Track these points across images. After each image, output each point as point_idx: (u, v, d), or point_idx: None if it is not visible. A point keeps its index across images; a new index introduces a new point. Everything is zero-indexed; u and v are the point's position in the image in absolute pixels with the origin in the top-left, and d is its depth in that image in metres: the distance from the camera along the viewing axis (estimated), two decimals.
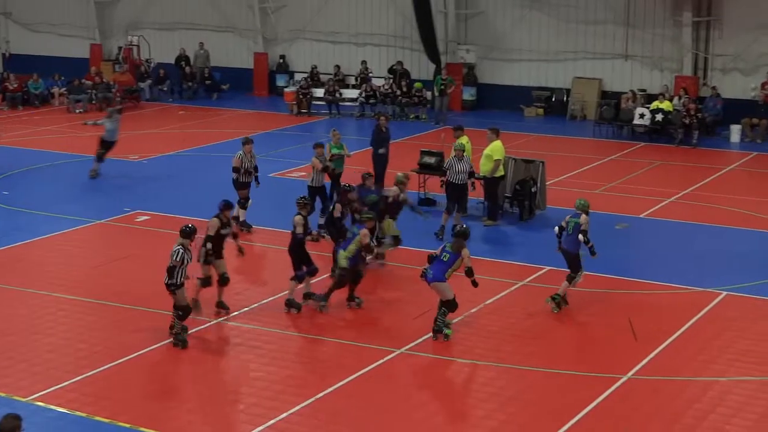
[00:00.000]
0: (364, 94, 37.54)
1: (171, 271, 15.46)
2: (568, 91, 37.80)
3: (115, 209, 23.67)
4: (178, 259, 15.44)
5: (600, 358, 15.57)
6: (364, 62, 39.09)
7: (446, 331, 16.13)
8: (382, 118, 25.06)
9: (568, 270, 17.50)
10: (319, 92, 38.37)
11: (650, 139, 33.02)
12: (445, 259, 16.10)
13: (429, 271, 16.10)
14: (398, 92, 37.26)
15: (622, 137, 33.75)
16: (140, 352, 15.48)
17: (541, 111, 37.89)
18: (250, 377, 14.79)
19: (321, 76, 39.51)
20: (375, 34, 40.19)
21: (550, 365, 15.30)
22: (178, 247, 15.56)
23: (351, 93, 38.34)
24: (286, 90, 39.11)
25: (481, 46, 38.83)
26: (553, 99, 38.01)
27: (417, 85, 37.36)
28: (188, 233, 15.72)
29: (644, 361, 15.32)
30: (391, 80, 37.88)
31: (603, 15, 36.51)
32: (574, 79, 37.58)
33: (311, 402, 13.90)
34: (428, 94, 37.48)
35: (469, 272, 16.08)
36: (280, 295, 17.64)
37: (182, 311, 15.67)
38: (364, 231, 17.46)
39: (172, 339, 15.74)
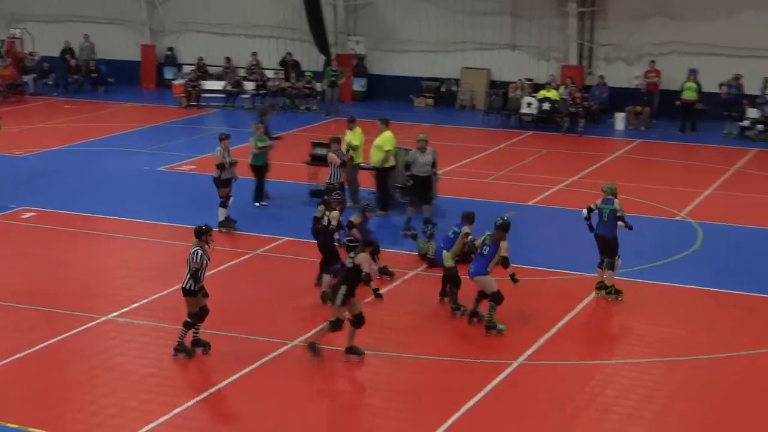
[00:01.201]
0: (255, 86, 37.29)
1: (196, 275, 14.58)
2: (457, 81, 38.13)
3: None
4: (198, 261, 14.56)
5: (491, 344, 15.72)
6: (254, 54, 38.80)
7: (499, 326, 15.99)
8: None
9: (603, 256, 17.41)
10: (211, 84, 37.94)
11: (538, 128, 33.51)
12: (485, 252, 16.09)
13: (471, 266, 16.12)
14: (288, 84, 37.09)
15: (510, 126, 34.16)
16: (29, 351, 15.18)
17: (430, 101, 38.14)
18: (143, 373, 14.59)
19: (210, 68, 39.10)
20: (264, 26, 39.93)
21: (442, 353, 15.42)
22: (196, 248, 14.66)
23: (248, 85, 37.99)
24: (174, 82, 38.62)
25: (371, 37, 38.91)
26: (443, 89, 38.29)
27: (307, 74, 37.25)
28: (203, 232, 14.74)
29: (535, 346, 15.54)
30: (283, 72, 37.72)
31: (490, 6, 36.87)
32: (463, 69, 37.90)
33: (205, 397, 13.78)
34: (318, 86, 37.41)
35: (505, 263, 16.00)
36: (171, 289, 17.41)
37: (193, 318, 14.87)
38: (466, 228, 16.89)
39: (182, 353, 14.94)
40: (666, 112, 34.10)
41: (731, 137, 32.12)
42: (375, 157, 22.84)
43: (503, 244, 16.04)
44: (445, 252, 16.93)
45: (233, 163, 21.48)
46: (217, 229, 19.97)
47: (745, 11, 33.81)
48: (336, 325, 14.77)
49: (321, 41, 38.13)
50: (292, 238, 20.80)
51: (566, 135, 32.53)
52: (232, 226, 21.40)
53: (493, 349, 15.45)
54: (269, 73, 37.94)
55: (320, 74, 37.74)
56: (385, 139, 22.77)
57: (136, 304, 17.16)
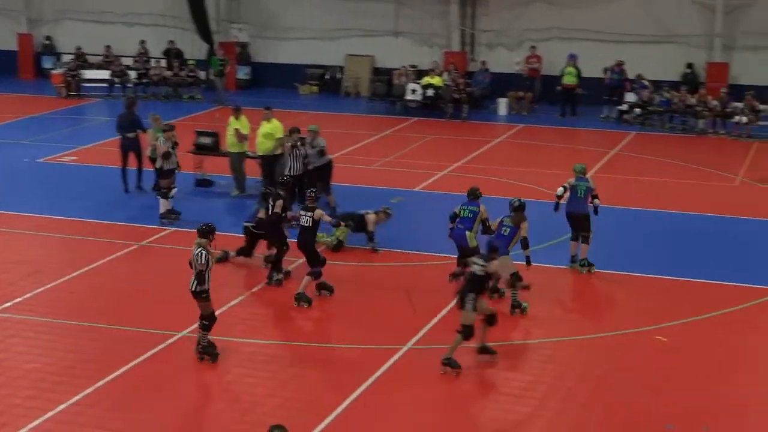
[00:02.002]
0: (137, 75, 36.68)
1: (201, 276, 14.04)
2: (341, 68, 38.13)
3: None
4: (203, 262, 13.98)
5: (380, 331, 15.77)
6: (142, 42, 38.04)
7: (523, 305, 16.37)
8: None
9: (578, 232, 18.12)
10: (92, 74, 37.14)
11: (422, 114, 33.70)
12: (506, 233, 16.48)
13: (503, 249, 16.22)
14: (170, 73, 36.55)
15: (395, 113, 34.29)
16: None
17: (315, 88, 38.07)
18: (27, 369, 14.25)
19: (91, 57, 38.28)
20: (145, 14, 39.30)
21: (332, 340, 15.42)
22: (200, 249, 14.08)
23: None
24: (53, 72, 37.71)
25: (254, 24, 38.65)
26: (327, 76, 38.25)
27: (190, 63, 36.81)
28: (206, 232, 14.19)
29: (423, 331, 15.64)
30: (166, 61, 37.17)
31: None
32: (347, 56, 37.91)
33: (91, 392, 13.53)
34: (202, 74, 37.00)
35: (526, 243, 16.40)
36: (53, 284, 17.05)
37: (209, 320, 14.35)
38: (483, 207, 17.20)
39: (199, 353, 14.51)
40: (547, 97, 34.67)
41: (610, 121, 32.80)
42: (264, 146, 22.61)
43: (524, 225, 16.53)
44: (468, 232, 17.11)
45: (168, 155, 21.27)
46: (164, 220, 20.56)
47: None
48: (468, 333, 14.17)
49: (203, 29, 37.71)
50: (179, 229, 20.56)
51: (450, 121, 32.80)
52: (176, 217, 21.06)
53: (382, 337, 15.49)
54: (153, 62, 37.35)
55: (204, 62, 37.37)
56: (276, 127, 22.63)
57: (18, 299, 16.74)
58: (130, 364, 14.34)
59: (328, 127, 29.62)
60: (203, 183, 23.93)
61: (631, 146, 29.17)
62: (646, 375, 14.32)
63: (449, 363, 14.17)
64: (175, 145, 21.27)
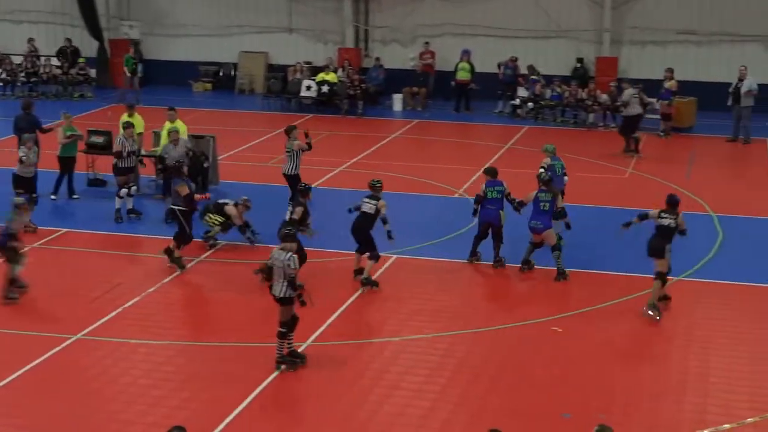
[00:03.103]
0: (25, 74, 35.86)
1: (294, 282, 13.92)
2: (235, 65, 37.87)
3: None
4: (295, 266, 13.91)
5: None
6: (30, 40, 37.18)
7: (566, 271, 17.77)
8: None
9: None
10: None
11: (318, 111, 33.65)
12: (545, 209, 17.81)
13: (537, 222, 17.82)
14: (59, 71, 35.83)
15: (290, 110, 34.18)
16: None
17: (209, 86, 37.75)
18: None
19: None
20: (33, 11, 38.49)
21: (230, 338, 15.32)
22: (290, 254, 13.93)
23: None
24: None
25: (145, 21, 38.13)
26: (221, 73, 37.96)
27: (80, 60, 36.18)
28: (292, 237, 14.23)
29: (323, 327, 15.65)
30: (61, 60, 36.37)
31: None
32: (241, 53, 37.68)
33: None
34: (92, 72, 36.41)
35: (564, 212, 17.99)
36: None
37: (286, 327, 14.18)
38: (505, 183, 18.36)
39: (284, 365, 14.21)
40: (441, 92, 34.90)
41: (503, 116, 33.19)
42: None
43: (559, 197, 18.08)
44: (501, 211, 18.26)
45: (134, 153, 21.14)
46: (120, 219, 20.69)
47: None
48: (664, 279, 16.24)
49: (93, 26, 37.08)
50: (72, 230, 20.24)
51: (346, 117, 32.82)
52: (137, 216, 20.93)
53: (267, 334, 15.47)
54: (43, 60, 36.53)
55: (94, 60, 36.81)
56: (181, 128, 22.38)
57: None
58: (24, 368, 14.06)
59: (223, 124, 29.49)
60: (96, 183, 23.55)
61: (524, 140, 29.55)
62: (542, 365, 14.54)
63: (653, 306, 16.04)
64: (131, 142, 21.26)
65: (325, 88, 33.76)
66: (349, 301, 16.80)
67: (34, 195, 20.60)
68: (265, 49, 37.55)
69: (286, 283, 13.94)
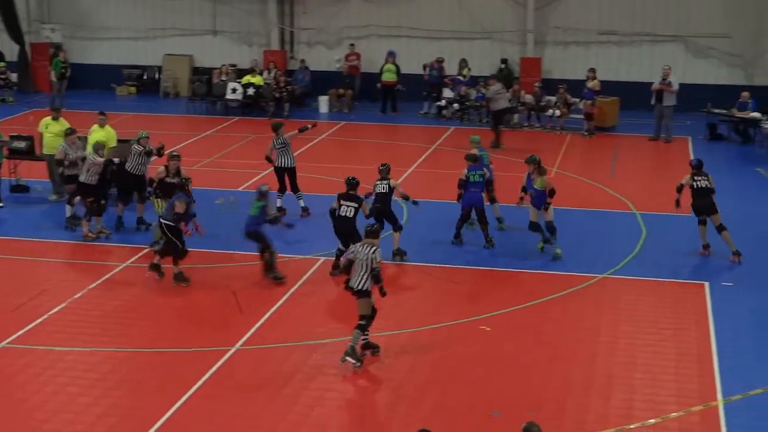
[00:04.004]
0: None
1: (378, 275, 14.37)
2: (159, 68, 37.54)
3: None
4: (379, 260, 14.43)
5: (207, 333, 15.61)
6: None
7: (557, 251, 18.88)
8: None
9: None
10: None
11: (244, 113, 33.50)
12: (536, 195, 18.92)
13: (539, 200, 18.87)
14: None
15: (216, 113, 33.97)
16: None
17: (133, 89, 37.39)
18: None
19: None
20: None
21: (158, 345, 15.17)
22: (377, 248, 14.44)
23: None
24: None
25: (67, 24, 37.65)
26: (145, 77, 37.62)
27: (0, 65, 35.58)
28: (377, 232, 14.72)
29: (251, 331, 15.56)
30: None
31: None
32: (165, 56, 37.36)
33: None
34: (14, 76, 35.85)
35: (552, 193, 18.91)
36: None
37: (367, 320, 14.54)
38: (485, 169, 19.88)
39: (350, 358, 14.31)
40: (368, 94, 34.95)
41: (429, 117, 33.32)
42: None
43: (547, 180, 19.09)
44: (483, 194, 19.65)
45: (81, 159, 20.51)
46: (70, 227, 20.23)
47: None
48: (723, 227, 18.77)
49: (13, 30, 36.49)
50: None
51: (272, 119, 32.61)
52: (78, 223, 20.41)
53: (209, 338, 15.34)
54: None
55: (14, 64, 36.26)
56: (110, 134, 22.09)
57: None
58: None
59: (148, 128, 29.06)
60: (18, 189, 23.18)
61: (450, 141, 29.67)
62: (471, 364, 14.61)
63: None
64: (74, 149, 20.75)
65: (250, 91, 33.60)
66: (278, 305, 16.72)
67: None
68: (189, 52, 37.28)
69: (366, 276, 14.31)
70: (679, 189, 19.23)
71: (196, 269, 18.27)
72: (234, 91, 33.86)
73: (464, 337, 15.58)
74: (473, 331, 15.77)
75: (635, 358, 14.84)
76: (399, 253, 18.91)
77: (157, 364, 14.57)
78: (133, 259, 18.86)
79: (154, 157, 20.86)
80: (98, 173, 20.00)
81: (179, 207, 17.47)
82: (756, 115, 29.45)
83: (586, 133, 30.75)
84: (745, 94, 30.11)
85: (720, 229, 19.00)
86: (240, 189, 23.73)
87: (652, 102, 30.20)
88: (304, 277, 17.86)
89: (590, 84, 30.82)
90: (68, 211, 20.60)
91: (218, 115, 33.61)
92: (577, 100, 31.21)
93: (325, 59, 36.18)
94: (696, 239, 19.63)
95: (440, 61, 33.76)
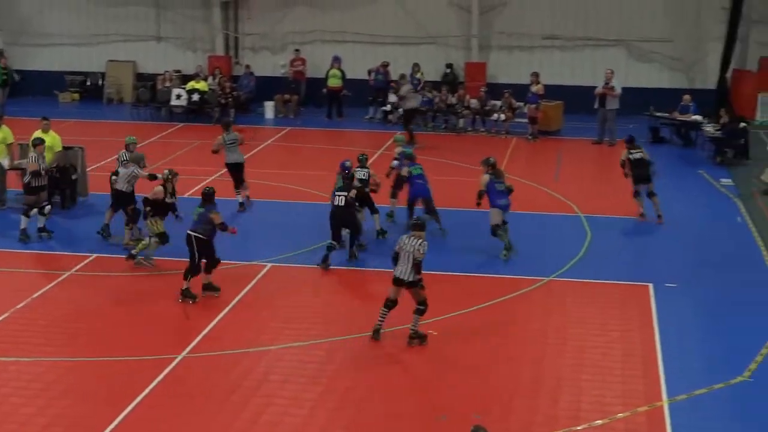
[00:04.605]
0: None
1: (419, 266, 15.03)
2: (102, 74, 37.22)
3: None
4: (425, 251, 15.02)
5: (153, 340, 15.46)
6: None
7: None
8: None
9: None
10: None
11: (188, 120, 33.29)
12: (502, 189, 19.49)
13: (504, 201, 19.36)
14: None
15: (160, 119, 33.73)
16: None
17: (76, 96, 37.05)
18: None
19: None
20: None
21: (103, 353, 14.99)
22: (423, 240, 15.05)
23: None
24: None
25: (7, 30, 37.22)
26: (88, 83, 37.27)
27: None
28: (424, 226, 15.32)
29: (198, 338, 15.44)
30: None
31: None
32: (108, 62, 37.05)
33: None
34: None
35: (510, 189, 19.68)
36: None
37: (425, 305, 15.30)
38: None
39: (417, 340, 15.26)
40: (313, 99, 34.89)
41: (375, 122, 33.34)
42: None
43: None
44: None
45: (46, 171, 20.32)
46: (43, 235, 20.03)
47: (384, 1, 35.16)
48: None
49: None
50: None
51: (217, 126, 32.38)
52: (48, 235, 20.12)
53: (155, 346, 15.19)
54: None
55: None
56: (55, 140, 21.82)
57: None
58: None
59: (91, 135, 28.87)
60: None
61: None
62: (418, 368, 14.62)
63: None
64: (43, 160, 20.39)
65: (195, 97, 33.42)
66: (224, 312, 16.61)
67: None
68: (133, 58, 37.00)
69: (411, 268, 14.94)
70: (623, 164, 22.12)
71: (142, 276, 18.11)
72: (178, 97, 33.64)
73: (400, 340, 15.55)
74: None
75: (582, 359, 14.93)
76: (381, 233, 20.13)
77: (102, 373, 14.40)
78: (77, 267, 18.63)
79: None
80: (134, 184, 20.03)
81: (217, 218, 17.11)
82: (697, 118, 29.82)
83: (530, 137, 30.94)
84: (687, 97, 30.51)
85: (651, 195, 21.67)
86: (185, 195, 23.52)
87: (596, 106, 30.47)
88: (251, 284, 17.75)
89: (534, 88, 31.02)
90: (23, 222, 20.10)
91: (162, 121, 33.37)
92: (522, 104, 31.39)
93: (270, 65, 36.06)
94: (640, 241, 19.82)
95: (385, 65, 33.81)
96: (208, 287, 17.24)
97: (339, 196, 18.93)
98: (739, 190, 24.86)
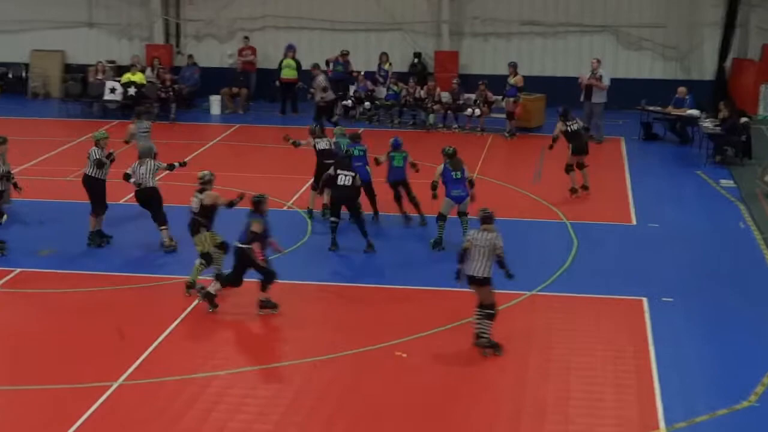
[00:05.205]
0: None
1: (503, 260, 15.59)
2: (26, 65, 36.98)
3: None
4: (502, 245, 15.59)
5: (84, 366, 15.29)
6: None
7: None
8: None
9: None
10: None
11: (124, 116, 33.02)
12: (458, 177, 20.49)
13: (461, 192, 20.42)
14: None
15: (93, 115, 33.58)
16: None
17: None
18: None
19: None
20: None
21: (31, 380, 14.83)
22: (493, 233, 15.59)
23: None
24: None
25: None
26: (10, 75, 37.09)
27: None
28: (491, 218, 15.77)
29: (136, 364, 15.30)
30: None
31: None
32: (33, 51, 36.84)
33: None
34: None
35: (472, 183, 20.79)
36: None
37: (493, 308, 15.72)
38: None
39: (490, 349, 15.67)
40: (264, 92, 34.80)
41: (335, 118, 33.19)
42: None
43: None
44: (367, 167, 22.10)
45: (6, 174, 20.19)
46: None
47: None
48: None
49: None
50: None
51: (157, 123, 32.26)
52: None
53: (87, 373, 15.03)
54: None
55: None
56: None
57: None
58: None
59: (13, 134, 28.54)
60: None
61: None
62: (386, 394, 14.55)
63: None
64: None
65: (131, 91, 33.26)
66: (167, 332, 16.48)
67: None
68: (61, 47, 36.82)
69: (487, 263, 15.45)
70: (555, 138, 24.42)
71: (73, 293, 17.95)
72: (113, 90, 33.47)
73: (378, 363, 15.50)
74: (388, 356, 15.69)
75: (569, 384, 14.92)
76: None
77: (28, 403, 14.23)
78: (1, 282, 18.46)
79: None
80: None
81: (256, 227, 16.90)
82: (694, 112, 29.96)
83: (508, 135, 31.01)
84: (682, 89, 30.66)
85: (581, 166, 24.27)
86: (120, 202, 23.35)
87: (581, 99, 30.56)
88: (197, 301, 17.61)
89: (512, 80, 31.10)
90: None
91: (95, 118, 33.20)
92: (499, 97, 31.45)
93: (216, 54, 36.00)
94: (632, 250, 19.89)
95: (345, 54, 33.78)
96: (266, 304, 17.23)
97: (344, 175, 20.32)
98: (741, 192, 25.02)
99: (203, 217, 17.93)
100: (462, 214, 20.43)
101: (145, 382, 14.81)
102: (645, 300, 17.92)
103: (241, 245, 16.87)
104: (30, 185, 23.22)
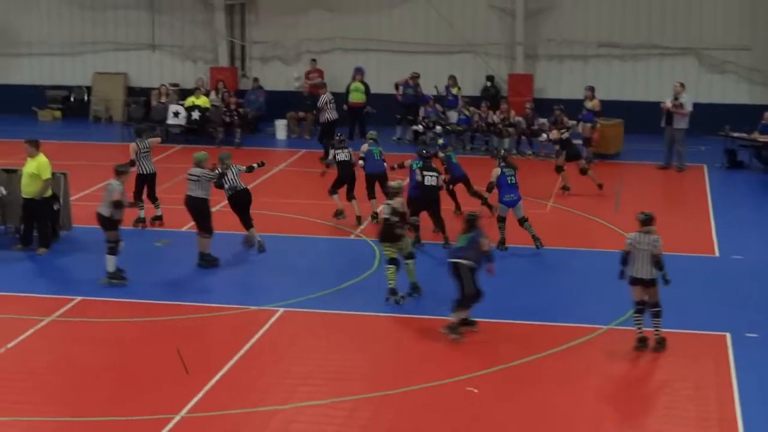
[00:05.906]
0: None
1: (660, 262, 16.64)
2: (89, 89, 37.44)
3: None
4: (661, 247, 16.72)
5: (147, 398, 15.45)
6: None
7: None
8: None
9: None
10: None
11: (188, 141, 33.35)
12: (512, 182, 21.99)
13: (513, 197, 21.83)
14: None
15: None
16: None
17: (58, 113, 37.35)
18: None
19: None
20: None
21: (88, 413, 15.00)
22: (653, 235, 16.67)
23: None
24: None
25: None
26: (72, 99, 37.51)
27: None
28: (651, 219, 16.75)
29: (199, 396, 15.41)
30: None
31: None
32: (95, 74, 37.29)
33: None
34: None
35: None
36: None
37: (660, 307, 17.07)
38: None
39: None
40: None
41: (404, 143, 33.26)
42: (29, 188, 21.64)
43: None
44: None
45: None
46: None
47: (411, 2, 35.27)
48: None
49: None
50: None
51: (221, 148, 32.53)
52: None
53: (149, 405, 15.18)
54: None
55: None
56: (42, 165, 21.68)
57: None
58: None
59: (75, 159, 29.02)
60: None
61: None
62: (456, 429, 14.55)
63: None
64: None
65: (195, 115, 33.56)
66: (229, 365, 16.59)
67: None
68: (123, 70, 37.27)
69: (650, 264, 16.63)
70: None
71: (134, 323, 18.15)
72: (176, 114, 33.77)
73: (447, 400, 15.47)
74: (458, 392, 15.68)
75: (646, 425, 14.81)
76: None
77: None
78: (59, 312, 18.67)
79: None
80: None
81: (485, 245, 17.61)
82: None
83: (584, 162, 30.86)
84: None
85: (584, 171, 27.53)
86: (183, 229, 23.60)
87: (662, 125, 30.39)
88: (261, 332, 17.74)
89: (589, 104, 31.01)
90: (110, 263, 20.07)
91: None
92: (575, 122, 31.35)
93: (282, 77, 36.22)
94: (715, 283, 19.72)
95: (415, 77, 33.85)
96: (465, 323, 17.73)
97: (430, 176, 21.83)
98: None
99: (404, 223, 19.13)
100: (523, 220, 21.96)
101: (208, 415, 14.92)
102: (728, 335, 17.75)
103: (466, 262, 17.42)
104: (93, 211, 23.60)
